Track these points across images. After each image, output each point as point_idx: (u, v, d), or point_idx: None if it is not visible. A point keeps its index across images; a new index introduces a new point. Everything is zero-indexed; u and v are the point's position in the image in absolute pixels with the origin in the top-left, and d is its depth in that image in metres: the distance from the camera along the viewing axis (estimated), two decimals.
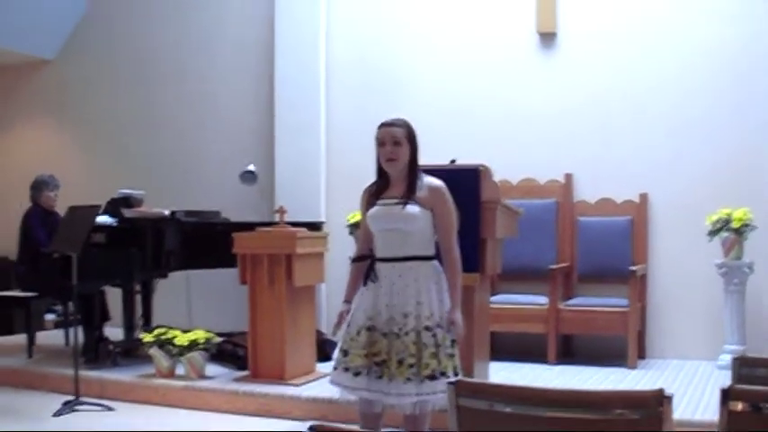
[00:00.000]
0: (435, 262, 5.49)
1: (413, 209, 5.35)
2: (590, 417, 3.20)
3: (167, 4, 12.35)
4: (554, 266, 9.49)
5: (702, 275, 9.32)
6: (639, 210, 9.70)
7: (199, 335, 8.74)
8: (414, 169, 5.48)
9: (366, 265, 5.55)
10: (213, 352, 8.99)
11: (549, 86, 10.17)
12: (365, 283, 5.50)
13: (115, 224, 9.51)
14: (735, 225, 8.76)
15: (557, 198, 9.98)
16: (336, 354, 5.57)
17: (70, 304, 9.87)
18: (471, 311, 6.80)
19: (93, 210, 8.67)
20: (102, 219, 9.40)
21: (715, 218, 8.85)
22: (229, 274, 9.25)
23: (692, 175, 9.54)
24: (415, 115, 5.99)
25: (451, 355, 5.38)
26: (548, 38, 10.17)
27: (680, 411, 7.08)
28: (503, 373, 8.58)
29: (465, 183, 6.76)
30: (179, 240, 9.40)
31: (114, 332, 9.94)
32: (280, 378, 8.41)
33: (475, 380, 5.60)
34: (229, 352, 9.35)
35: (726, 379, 4.58)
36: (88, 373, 8.89)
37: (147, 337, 8.83)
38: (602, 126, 9.91)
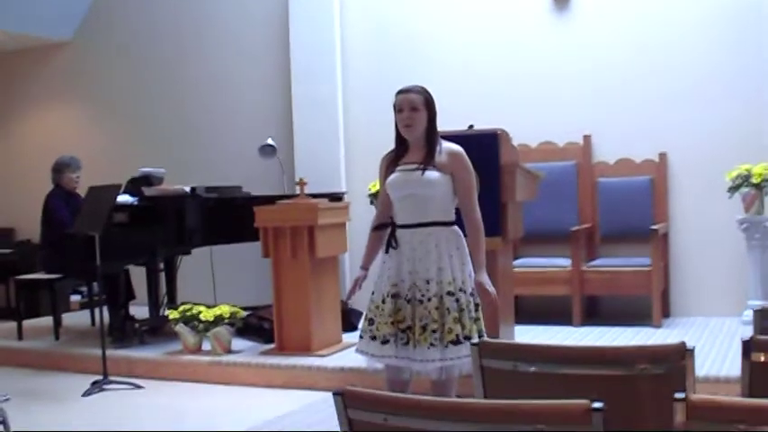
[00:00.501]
0: (456, 227, 5.49)
1: (432, 174, 5.35)
2: (614, 373, 3.22)
3: None
4: (576, 228, 9.47)
5: (724, 232, 9.31)
6: (659, 169, 9.67)
7: (224, 310, 8.77)
8: (432, 135, 5.48)
9: (386, 232, 5.56)
10: (239, 326, 9.05)
11: (565, 49, 10.13)
12: (387, 251, 5.51)
13: (136, 203, 9.52)
14: (755, 180, 8.71)
15: (576, 160, 9.96)
16: (362, 323, 5.59)
17: (95, 285, 9.95)
18: (495, 275, 6.79)
19: (115, 189, 8.70)
20: (124, 198, 9.43)
21: (735, 174, 8.81)
22: (252, 248, 9.26)
23: (710, 133, 9.50)
24: (431, 82, 5.99)
25: (476, 319, 5.39)
26: (562, 0, 10.12)
27: (706, 368, 7.11)
28: (528, 336, 8.59)
29: (484, 147, 6.78)
30: (201, 217, 9.41)
31: (140, 310, 9.99)
32: (306, 349, 8.46)
33: (498, 340, 5.62)
34: (255, 326, 9.40)
35: (750, 333, 4.59)
36: (115, 353, 8.95)
37: (173, 314, 8.88)
38: (620, 86, 9.87)
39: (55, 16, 12.72)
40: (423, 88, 5.53)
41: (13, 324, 10.25)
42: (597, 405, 2.43)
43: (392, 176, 5.49)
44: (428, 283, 5.33)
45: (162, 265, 10.13)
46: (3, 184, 13.78)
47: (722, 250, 9.44)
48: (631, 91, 9.82)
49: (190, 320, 8.79)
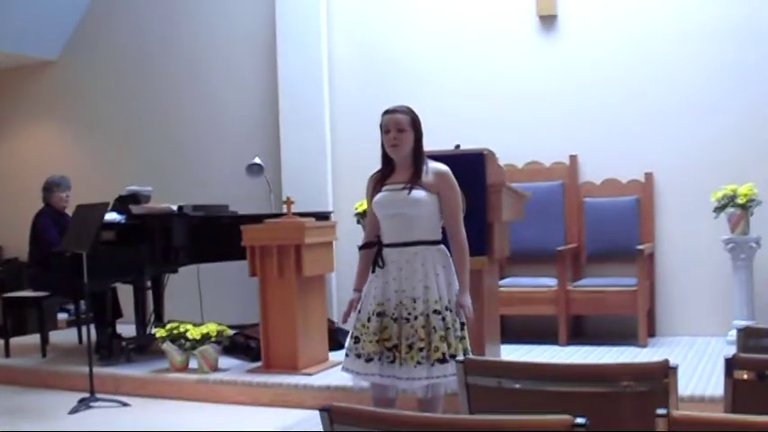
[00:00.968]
0: (442, 246, 5.52)
1: (419, 193, 5.38)
2: (597, 390, 3.24)
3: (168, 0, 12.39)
4: (562, 248, 9.50)
5: (710, 252, 9.36)
6: (645, 189, 9.72)
7: (211, 328, 8.78)
8: (419, 155, 5.52)
9: (374, 251, 5.59)
10: (226, 345, 9.05)
11: (551, 69, 10.18)
12: (373, 270, 5.53)
13: (124, 221, 9.52)
14: (740, 201, 8.75)
15: (562, 180, 10.00)
16: (348, 341, 5.61)
17: (82, 303, 9.94)
18: (480, 295, 6.85)
19: (102, 207, 8.69)
20: (111, 216, 9.42)
21: (720, 194, 8.85)
22: (239, 267, 9.29)
23: (696, 153, 9.55)
24: (418, 101, 6.06)
25: (462, 338, 5.43)
26: (548, 20, 10.17)
27: (691, 387, 7.14)
28: (514, 356, 8.60)
29: (470, 167, 6.81)
30: (188, 235, 9.44)
31: (127, 329, 9.98)
32: (293, 368, 8.45)
33: (482, 357, 5.65)
34: (242, 344, 9.39)
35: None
36: (102, 370, 8.93)
37: (160, 332, 8.87)
38: (606, 107, 9.92)
39: (41, 35, 12.73)
40: (409, 108, 5.56)
41: (0, 341, 10.22)
42: (580, 421, 2.46)
43: (379, 196, 5.52)
44: (415, 301, 5.36)
45: (149, 284, 10.12)
46: None
47: (708, 270, 9.48)
48: (617, 111, 9.87)
49: (177, 339, 8.79)
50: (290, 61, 11.22)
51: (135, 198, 9.96)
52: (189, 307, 10.36)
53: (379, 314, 5.43)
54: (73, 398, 8.33)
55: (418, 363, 5.27)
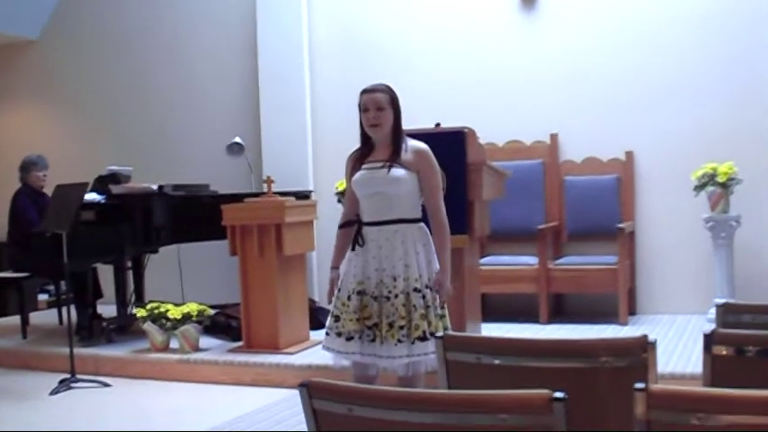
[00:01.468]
0: (422, 224, 5.51)
1: (398, 172, 5.37)
2: (576, 365, 3.25)
3: None
4: (542, 226, 9.52)
5: (690, 230, 9.38)
6: (626, 167, 9.73)
7: (192, 308, 8.77)
8: (398, 133, 5.50)
9: (353, 230, 5.58)
10: (207, 324, 9.05)
11: (532, 48, 10.17)
12: (353, 248, 5.53)
13: (104, 201, 9.49)
14: (720, 179, 8.75)
15: (543, 158, 10.01)
16: (328, 320, 5.61)
17: (62, 283, 9.91)
18: (461, 273, 6.85)
19: (82, 187, 8.66)
20: (91, 196, 9.39)
21: (700, 173, 8.84)
22: (220, 247, 9.29)
23: (677, 132, 9.56)
24: (399, 83, 6.01)
25: (442, 316, 5.43)
26: (529, 0, 10.17)
27: (672, 364, 7.18)
28: (495, 334, 8.59)
29: (451, 146, 6.80)
30: (168, 215, 9.41)
31: (107, 309, 9.97)
32: (274, 347, 8.47)
33: (462, 333, 5.65)
34: (223, 324, 9.39)
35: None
36: (83, 351, 8.93)
37: (141, 312, 8.86)
38: (587, 85, 9.92)
39: (22, 15, 12.66)
40: (387, 87, 5.55)
41: None
42: (558, 395, 2.46)
43: (358, 174, 5.51)
44: (395, 279, 5.35)
45: (129, 264, 10.11)
46: None
47: (688, 248, 9.51)
48: (598, 90, 9.88)
49: (157, 319, 8.78)
50: (271, 43, 11.19)
51: (115, 178, 9.92)
52: (170, 287, 10.35)
53: (360, 293, 5.43)
54: (54, 379, 8.32)
55: (399, 341, 5.27)
